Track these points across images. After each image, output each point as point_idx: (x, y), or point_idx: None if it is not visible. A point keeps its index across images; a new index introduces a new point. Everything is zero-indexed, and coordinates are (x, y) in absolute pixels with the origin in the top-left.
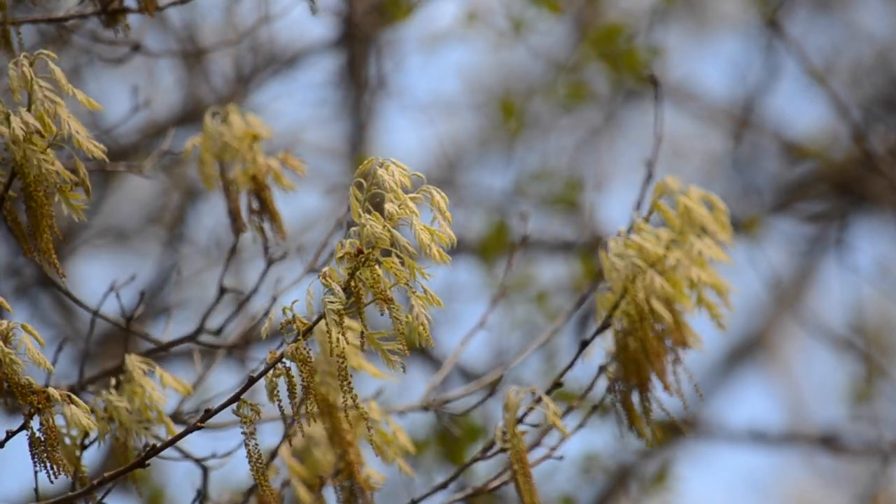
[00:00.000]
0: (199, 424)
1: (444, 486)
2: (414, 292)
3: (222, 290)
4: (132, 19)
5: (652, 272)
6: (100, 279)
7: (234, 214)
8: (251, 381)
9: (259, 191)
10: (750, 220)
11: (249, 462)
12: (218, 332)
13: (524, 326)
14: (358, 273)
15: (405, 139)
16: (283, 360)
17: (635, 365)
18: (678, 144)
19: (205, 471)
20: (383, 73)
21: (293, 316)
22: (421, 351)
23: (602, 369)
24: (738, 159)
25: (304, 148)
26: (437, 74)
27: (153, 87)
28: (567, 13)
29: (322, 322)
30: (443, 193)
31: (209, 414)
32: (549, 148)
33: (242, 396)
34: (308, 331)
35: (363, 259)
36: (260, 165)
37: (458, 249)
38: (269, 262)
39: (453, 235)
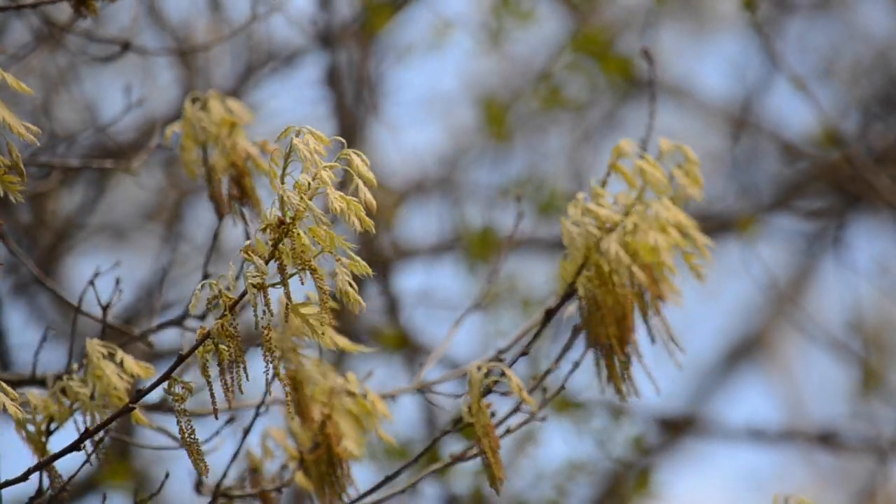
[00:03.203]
0: (130, 405)
1: (415, 460)
2: (339, 259)
3: (205, 276)
4: (125, 17)
5: (610, 238)
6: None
7: (215, 200)
8: (181, 358)
9: (239, 177)
10: (747, 219)
11: (182, 440)
12: (203, 316)
13: (509, 334)
14: (280, 244)
15: (402, 138)
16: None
17: (603, 328)
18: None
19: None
20: (365, 78)
21: (220, 291)
22: (409, 345)
23: (577, 330)
24: (737, 158)
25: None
26: (422, 79)
27: (150, 84)
28: (555, 17)
29: (280, 294)
30: (364, 157)
31: (141, 394)
32: (545, 146)
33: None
34: (234, 306)
35: (285, 230)
36: (239, 151)
37: (453, 249)
38: None
39: (372, 200)
